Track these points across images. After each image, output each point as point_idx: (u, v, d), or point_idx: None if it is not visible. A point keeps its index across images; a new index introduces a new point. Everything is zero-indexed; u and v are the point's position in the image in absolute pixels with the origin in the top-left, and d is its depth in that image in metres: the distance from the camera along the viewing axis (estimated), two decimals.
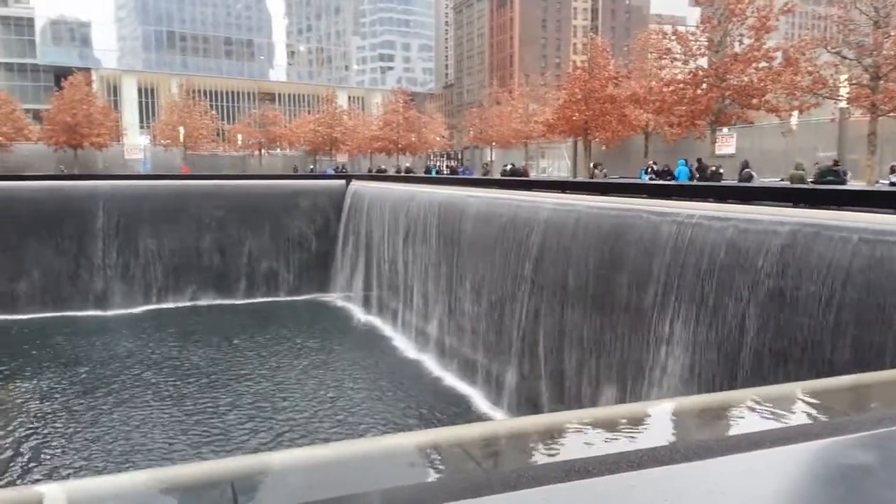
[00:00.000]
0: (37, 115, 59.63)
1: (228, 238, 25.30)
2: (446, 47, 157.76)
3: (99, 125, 51.93)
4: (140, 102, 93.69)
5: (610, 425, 2.04)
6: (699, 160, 25.52)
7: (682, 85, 29.14)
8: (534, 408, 12.27)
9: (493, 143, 56.03)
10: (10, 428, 10.52)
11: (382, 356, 18.02)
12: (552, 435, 2.07)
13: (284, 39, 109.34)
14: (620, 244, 10.19)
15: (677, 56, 30.00)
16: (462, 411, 13.69)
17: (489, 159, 53.76)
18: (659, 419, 2.26)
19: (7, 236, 22.30)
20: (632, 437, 1.93)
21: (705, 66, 29.53)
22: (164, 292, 23.96)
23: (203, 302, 24.04)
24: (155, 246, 24.11)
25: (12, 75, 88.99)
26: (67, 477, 10.31)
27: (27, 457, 10.46)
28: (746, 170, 20.76)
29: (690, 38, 29.77)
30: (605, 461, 1.34)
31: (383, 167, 52.22)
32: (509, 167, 35.61)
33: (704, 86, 28.41)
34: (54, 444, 11.48)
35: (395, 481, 1.78)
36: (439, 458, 1.99)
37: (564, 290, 11.55)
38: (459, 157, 62.58)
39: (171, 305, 23.52)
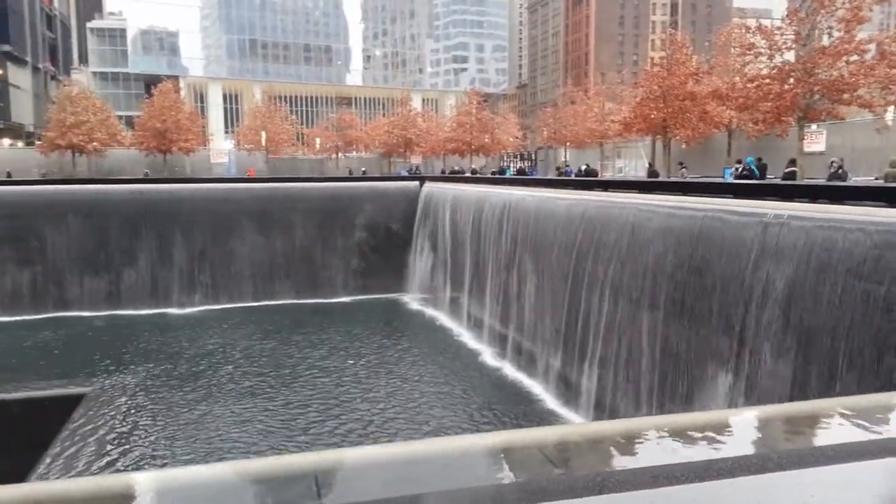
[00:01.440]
0: (129, 122, 62.93)
1: (306, 239, 25.98)
2: (520, 47, 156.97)
3: (186, 131, 54.33)
4: (225, 108, 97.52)
5: (691, 432, 1.98)
6: (758, 159, 24.69)
7: (767, 80, 28.01)
8: (611, 414, 12.04)
9: (568, 143, 55.39)
10: (110, 417, 11.14)
11: (455, 356, 18.07)
12: (632, 440, 2.02)
13: (360, 44, 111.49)
14: (702, 246, 9.87)
15: (762, 51, 28.85)
16: (535, 417, 13.58)
17: (563, 159, 53.15)
18: (743, 427, 2.18)
19: (110, 236, 23.62)
20: (716, 444, 1.87)
21: (792, 60, 28.29)
22: (245, 291, 24.81)
23: (281, 301, 24.76)
24: (236, 247, 25.02)
25: (106, 83, 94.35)
26: (157, 465, 10.83)
27: (123, 444, 11.04)
28: (838, 168, 19.75)
29: (776, 31, 28.57)
30: (692, 468, 1.30)
31: (457, 168, 52.45)
32: (584, 168, 35.12)
33: (791, 81, 27.21)
34: (149, 433, 12.10)
35: (472, 481, 1.78)
36: (516, 459, 1.98)
37: (644, 295, 11.28)
38: (533, 157, 62.13)
39: (251, 304, 24.33)
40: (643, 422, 2.19)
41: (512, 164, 58.21)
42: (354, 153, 67.74)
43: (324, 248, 26.13)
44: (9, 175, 40.80)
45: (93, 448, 10.31)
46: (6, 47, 74.04)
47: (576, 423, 12.29)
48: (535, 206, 16.56)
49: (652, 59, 76.59)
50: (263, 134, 57.90)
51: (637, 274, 11.44)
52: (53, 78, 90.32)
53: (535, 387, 15.05)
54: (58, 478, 8.99)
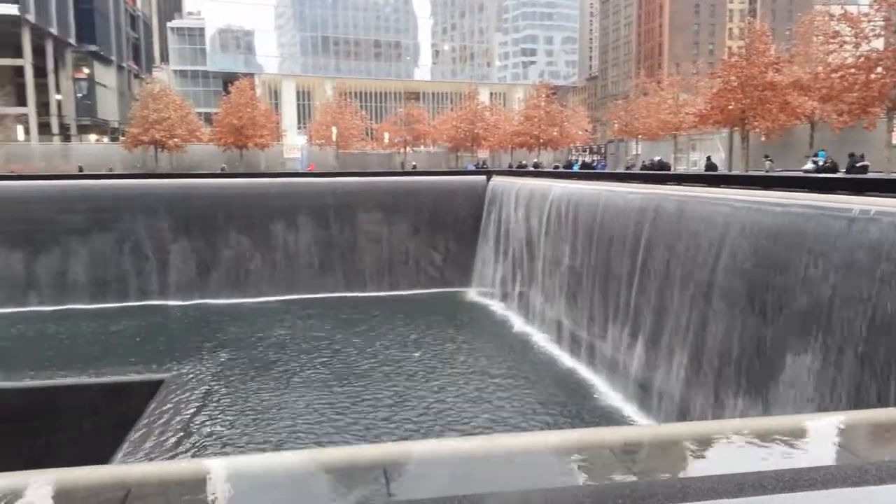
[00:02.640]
0: (207, 118, 65.16)
1: (373, 233, 26.32)
2: (590, 38, 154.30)
3: (261, 127, 55.83)
4: (298, 105, 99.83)
5: (772, 437, 1.87)
6: (851, 154, 23.39)
7: (852, 70, 26.56)
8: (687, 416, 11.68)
9: (640, 136, 54.09)
10: (187, 403, 11.59)
11: (519, 350, 17.97)
12: (708, 444, 1.93)
13: (429, 39, 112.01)
14: (781, 243, 9.45)
15: (847, 39, 27.39)
16: (601, 415, 13.34)
17: (635, 152, 51.96)
18: (829, 433, 2.05)
19: (191, 228, 24.58)
20: (803, 451, 1.76)
21: (880, 48, 26.72)
22: (313, 283, 25.34)
23: (347, 293, 25.17)
24: (306, 239, 25.59)
25: (186, 81, 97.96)
26: (229, 452, 11.19)
27: (199, 430, 11.45)
28: None
29: (863, 18, 27.04)
30: (780, 477, 1.21)
31: (524, 162, 52.01)
32: (657, 159, 34.17)
33: (879, 70, 25.72)
34: (223, 419, 12.53)
35: (541, 481, 1.73)
36: (586, 459, 1.92)
37: (717, 293, 10.90)
38: (603, 150, 60.99)
39: (320, 295, 24.82)
40: (719, 425, 2.10)
41: (580, 158, 57.31)
42: (422, 148, 68.16)
43: (389, 243, 26.42)
44: (81, 169, 42.93)
45: (171, 432, 10.75)
46: (93, 47, 77.91)
47: (646, 425, 12.00)
48: (602, 200, 16.26)
49: (729, 48, 73.89)
50: (334, 129, 58.92)
51: (711, 270, 11.06)
52: (136, 76, 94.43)
53: (601, 383, 14.81)
54: (139, 459, 9.42)
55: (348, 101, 65.17)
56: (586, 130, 64.32)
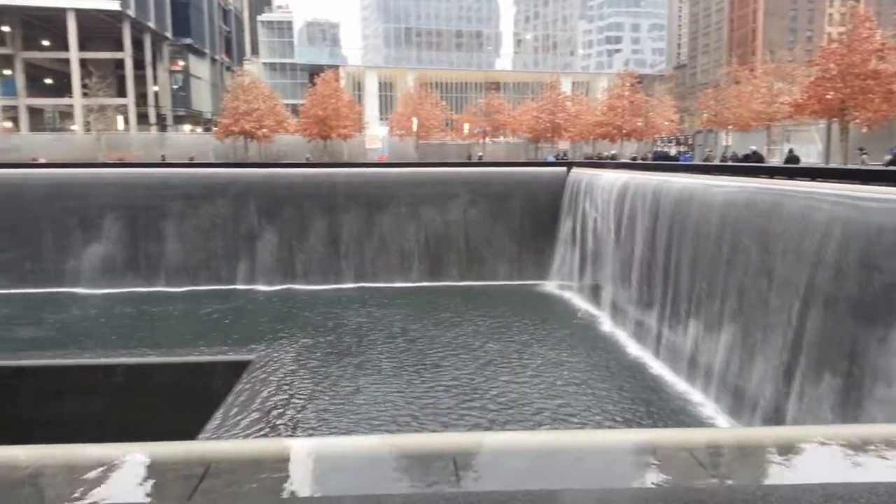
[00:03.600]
0: (294, 109, 66.97)
1: (451, 224, 26.41)
2: (679, 25, 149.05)
3: (345, 118, 56.95)
4: (380, 96, 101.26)
5: (866, 447, 1.75)
6: None
7: None
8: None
9: (730, 127, 51.94)
10: (271, 384, 12.01)
11: (594, 344, 17.67)
12: (793, 450, 1.83)
13: (511, 28, 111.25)
14: (883, 241, 8.88)
15: None
16: (683, 415, 12.96)
17: (724, 143, 49.96)
18: None
19: (279, 216, 25.40)
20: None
21: None
22: (395, 272, 25.71)
23: (423, 283, 25.40)
24: (388, 229, 25.95)
25: (275, 73, 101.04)
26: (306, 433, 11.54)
27: (283, 410, 11.86)
28: None
29: None
30: (874, 491, 1.12)
31: (605, 153, 50.93)
32: (753, 150, 32.61)
33: None
34: (305, 400, 12.94)
35: (616, 481, 1.69)
36: (663, 459, 1.85)
37: (817, 292, 10.36)
38: (690, 141, 58.93)
39: (400, 284, 25.16)
40: (807, 431, 1.99)
41: (667, 149, 55.59)
42: (501, 138, 67.78)
43: (466, 233, 26.45)
44: (192, 159, 44.97)
45: (255, 412, 11.18)
46: (188, 40, 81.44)
47: (727, 428, 11.58)
48: (687, 192, 15.71)
49: (829, 34, 69.81)
50: (415, 120, 59.42)
51: (804, 265, 10.52)
52: (228, 68, 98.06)
53: (680, 383, 14.37)
54: (225, 437, 9.83)
55: (429, 91, 65.58)
56: (672, 121, 62.13)
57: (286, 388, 13.10)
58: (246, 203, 25.46)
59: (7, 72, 64.87)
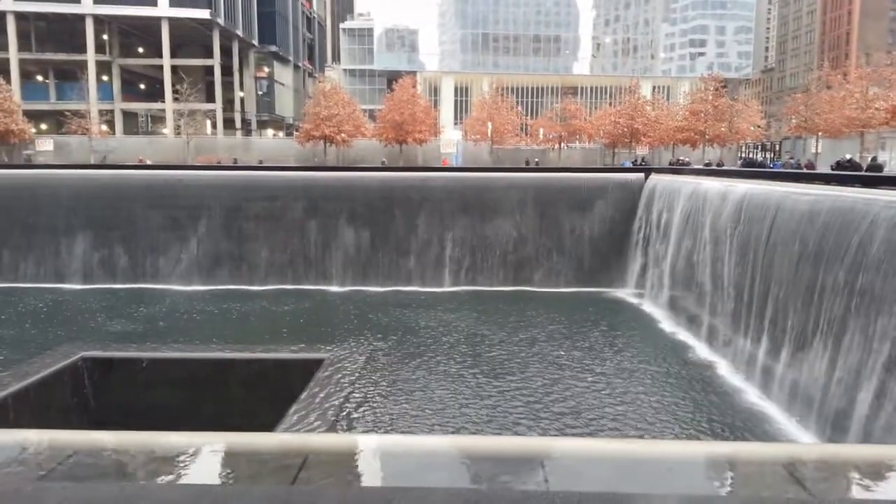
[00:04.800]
0: (371, 115, 68.36)
1: (522, 229, 26.27)
2: (767, 28, 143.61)
3: (420, 122, 57.74)
4: (455, 101, 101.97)
5: None
6: None
7: None
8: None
9: (820, 133, 49.68)
10: (344, 382, 12.26)
11: (671, 358, 17.17)
12: (885, 469, 1.74)
13: (591, 32, 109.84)
14: None
15: None
16: (766, 438, 12.43)
17: (814, 150, 47.78)
18: None
19: (355, 219, 25.98)
20: None
21: None
22: (460, 276, 25.79)
23: (493, 287, 25.36)
24: (456, 233, 26.03)
25: (354, 80, 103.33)
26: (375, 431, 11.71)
27: (353, 407, 12.10)
28: None
29: None
30: None
31: (685, 159, 49.56)
32: (848, 158, 31.03)
33: None
34: (376, 398, 13.17)
35: (696, 491, 1.65)
36: (745, 474, 1.80)
37: None
38: (777, 148, 56.65)
39: (467, 288, 25.23)
40: (891, 450, 1.89)
41: (753, 155, 53.63)
42: (577, 144, 67.04)
43: (539, 239, 26.25)
44: (260, 162, 46.60)
45: (328, 408, 11.45)
46: (273, 48, 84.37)
47: (807, 443, 11.04)
48: (777, 201, 15.07)
49: None
50: (489, 125, 59.54)
51: None
52: (310, 75, 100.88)
53: (763, 402, 13.77)
54: (300, 430, 10.10)
55: (504, 96, 65.53)
56: (759, 126, 59.91)
57: (359, 385, 13.34)
58: (324, 205, 26.11)
59: (105, 77, 68.84)
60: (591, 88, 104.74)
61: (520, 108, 70.07)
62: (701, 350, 17.60)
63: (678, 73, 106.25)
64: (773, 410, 13.30)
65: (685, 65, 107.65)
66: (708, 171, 27.00)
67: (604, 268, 25.62)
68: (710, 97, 53.49)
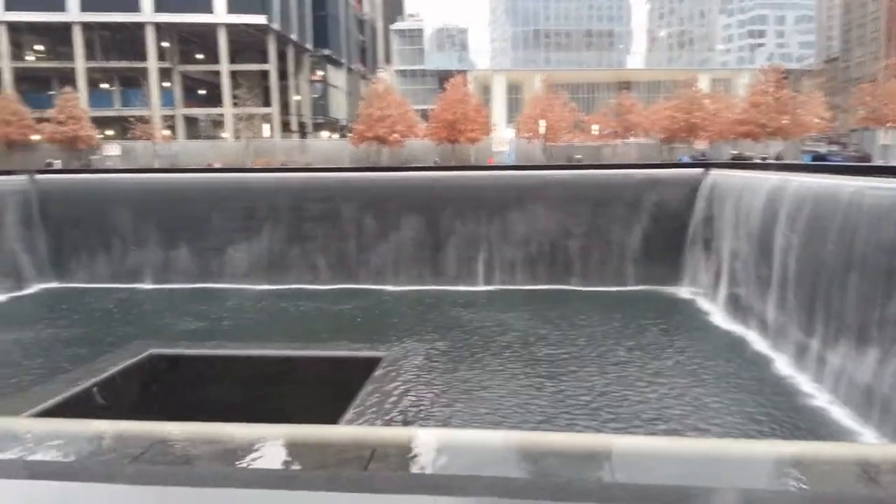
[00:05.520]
0: (423, 115, 68.71)
1: (578, 226, 25.99)
2: (829, 17, 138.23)
3: (472, 122, 57.67)
4: (508, 99, 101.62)
5: None
6: None
7: None
8: None
9: (888, 124, 47.62)
10: (402, 379, 12.42)
11: (732, 359, 16.74)
12: None
13: (645, 25, 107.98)
14: None
15: None
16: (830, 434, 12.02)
17: (882, 142, 45.84)
18: None
19: (410, 220, 26.21)
20: None
21: None
22: (519, 275, 25.69)
23: (550, 286, 25.18)
24: (514, 231, 25.97)
25: (405, 80, 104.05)
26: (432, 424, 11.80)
27: (410, 403, 12.24)
28: None
29: None
30: None
31: (747, 154, 48.18)
32: None
33: None
34: (433, 396, 13.28)
35: (762, 484, 1.65)
36: (816, 473, 1.77)
37: None
38: (843, 141, 54.53)
39: (524, 287, 25.12)
40: None
41: (817, 148, 51.75)
42: (632, 139, 65.89)
43: (595, 236, 25.93)
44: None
45: (387, 405, 11.62)
46: (327, 51, 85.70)
47: (880, 443, 10.63)
48: (847, 196, 14.46)
49: None
50: (542, 122, 59.08)
51: None
52: (363, 77, 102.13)
53: (832, 406, 13.28)
54: (364, 425, 10.29)
55: (557, 93, 64.94)
56: (823, 118, 57.73)
57: (416, 384, 13.49)
58: (381, 204, 26.40)
59: (166, 84, 71.17)
60: (646, 83, 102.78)
61: (573, 104, 69.29)
62: (762, 347, 17.11)
63: (737, 64, 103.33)
64: (838, 413, 12.89)
65: (744, 56, 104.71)
66: (772, 166, 26.19)
67: (659, 265, 25.15)
68: (772, 89, 51.84)
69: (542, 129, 58.82)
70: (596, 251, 25.88)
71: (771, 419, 12.67)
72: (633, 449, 1.91)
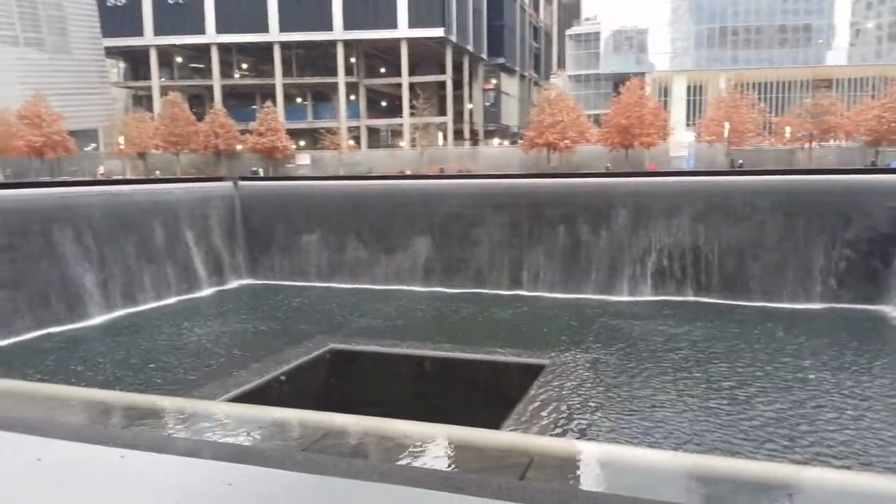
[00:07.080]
0: (596, 119, 67.45)
1: (764, 236, 24.04)
2: None
3: (649, 125, 55.62)
4: (688, 101, 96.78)
5: None
6: None
7: None
8: None
9: None
10: (564, 388, 12.25)
11: None
12: None
13: (848, 18, 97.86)
14: None
15: None
16: None
17: None
18: None
19: (560, 226, 25.86)
20: None
21: None
22: (671, 286, 24.27)
23: (711, 300, 23.55)
24: (679, 241, 24.53)
25: (579, 85, 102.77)
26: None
27: (564, 413, 12.02)
28: None
29: None
30: None
31: None
32: None
33: None
34: (595, 406, 12.95)
35: None
36: None
37: None
38: None
39: (680, 298, 23.74)
40: None
41: None
42: (831, 142, 59.88)
43: (783, 249, 23.82)
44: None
45: (549, 413, 11.50)
46: (500, 60, 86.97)
47: None
48: None
49: None
50: (726, 125, 55.53)
51: None
52: (535, 83, 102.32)
53: None
54: (523, 432, 10.28)
55: (744, 93, 60.75)
56: None
57: (579, 393, 13.23)
58: (547, 211, 26.23)
59: (352, 97, 76.11)
60: (849, 80, 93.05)
61: (763, 105, 64.37)
62: None
63: None
64: None
65: None
66: None
67: (863, 282, 22.58)
68: None
69: (725, 132, 55.35)
70: (787, 265, 23.77)
71: None
72: (822, 483, 1.71)
